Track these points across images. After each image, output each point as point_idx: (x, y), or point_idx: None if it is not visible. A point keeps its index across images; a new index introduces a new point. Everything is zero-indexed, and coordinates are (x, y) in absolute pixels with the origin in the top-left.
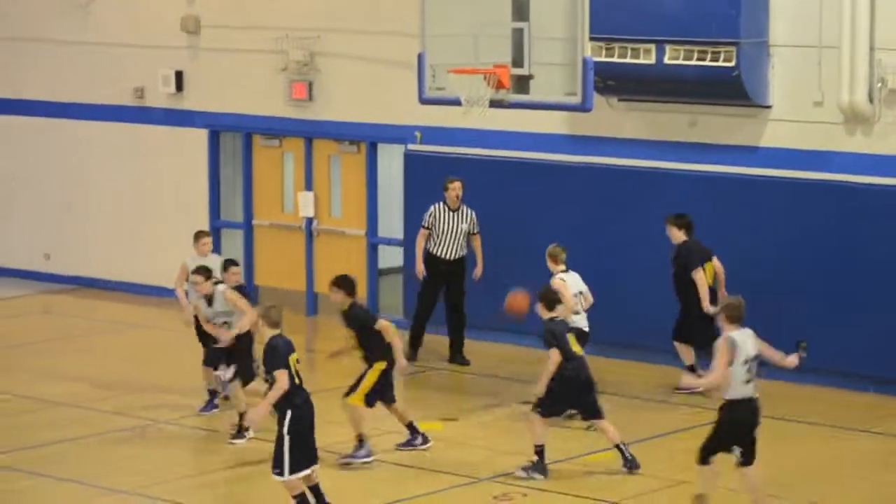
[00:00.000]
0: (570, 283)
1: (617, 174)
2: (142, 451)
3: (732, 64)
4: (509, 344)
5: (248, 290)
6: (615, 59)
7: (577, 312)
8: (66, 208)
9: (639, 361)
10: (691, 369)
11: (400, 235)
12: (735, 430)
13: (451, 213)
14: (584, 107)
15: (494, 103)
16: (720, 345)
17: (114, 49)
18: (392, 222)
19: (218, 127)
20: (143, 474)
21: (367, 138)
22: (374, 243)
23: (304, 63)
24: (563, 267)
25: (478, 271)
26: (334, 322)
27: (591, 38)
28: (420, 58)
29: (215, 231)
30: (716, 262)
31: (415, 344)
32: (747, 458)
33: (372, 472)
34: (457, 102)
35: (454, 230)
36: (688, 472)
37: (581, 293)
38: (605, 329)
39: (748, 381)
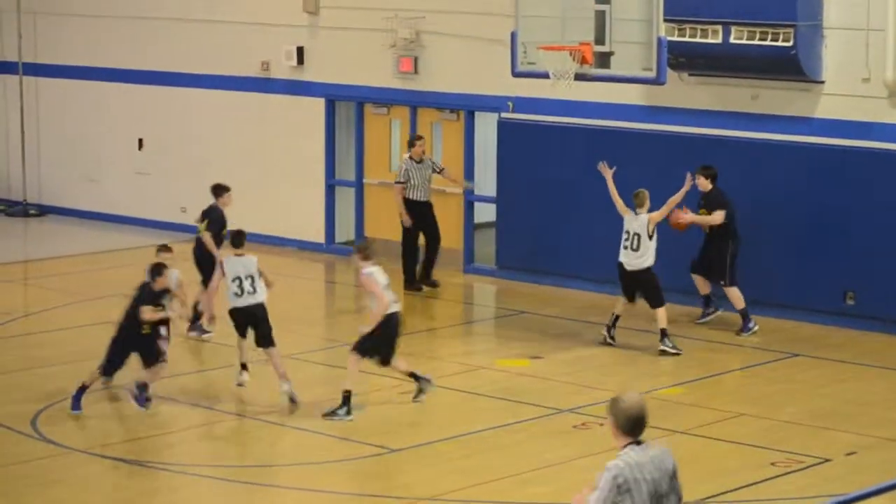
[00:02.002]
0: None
1: (687, 141)
2: (259, 381)
3: (790, 44)
4: (590, 292)
5: None
6: (686, 39)
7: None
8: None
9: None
10: (744, 314)
11: (493, 193)
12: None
13: (417, 165)
14: (658, 81)
15: (579, 77)
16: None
17: (244, 27)
18: (487, 182)
19: (334, 96)
20: (262, 402)
21: (466, 107)
22: (470, 201)
23: (411, 40)
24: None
25: (463, 183)
26: (437, 269)
27: (666, 20)
28: (513, 36)
29: (330, 189)
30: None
31: (411, 276)
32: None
33: (466, 402)
34: (545, 76)
35: (422, 177)
36: (744, 405)
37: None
38: (679, 279)
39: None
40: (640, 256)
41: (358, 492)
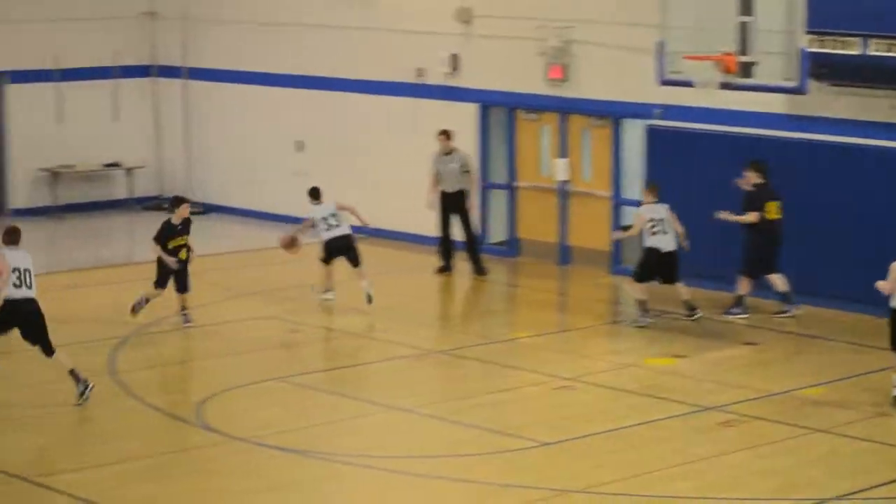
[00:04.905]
0: (644, 212)
1: (827, 149)
2: (415, 375)
3: None
4: (728, 293)
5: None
6: (827, 50)
7: (654, 234)
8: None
9: (852, 312)
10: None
11: (639, 197)
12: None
13: (444, 157)
14: (800, 90)
15: (723, 86)
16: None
17: (400, 35)
18: (633, 186)
19: (487, 102)
20: (418, 395)
21: (613, 114)
22: (617, 203)
23: (560, 48)
24: (654, 199)
25: (471, 202)
26: (585, 270)
27: (807, 32)
28: (660, 45)
29: (483, 191)
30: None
31: (447, 256)
32: None
33: (614, 398)
34: (690, 84)
35: (448, 170)
36: (886, 405)
37: (661, 220)
38: (815, 283)
39: (17, 286)
40: (673, 239)
41: (511, 483)
